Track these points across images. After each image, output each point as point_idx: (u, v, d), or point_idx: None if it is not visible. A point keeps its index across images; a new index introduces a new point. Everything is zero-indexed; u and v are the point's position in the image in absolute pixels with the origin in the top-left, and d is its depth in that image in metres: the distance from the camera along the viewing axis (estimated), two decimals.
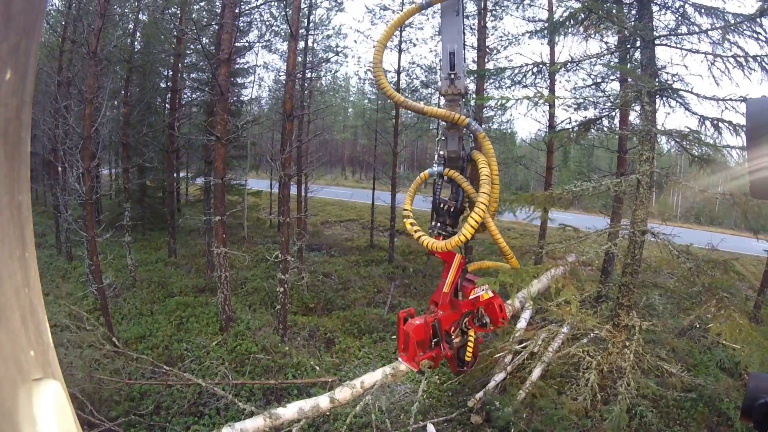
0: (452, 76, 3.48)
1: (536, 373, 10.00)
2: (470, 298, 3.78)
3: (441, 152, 3.65)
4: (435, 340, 3.61)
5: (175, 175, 23.32)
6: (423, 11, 3.84)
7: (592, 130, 10.18)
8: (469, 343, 3.78)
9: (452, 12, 3.48)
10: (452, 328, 3.72)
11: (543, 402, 9.51)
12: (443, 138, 3.65)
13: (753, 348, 6.93)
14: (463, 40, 3.53)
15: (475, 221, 3.20)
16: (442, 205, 3.66)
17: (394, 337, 13.48)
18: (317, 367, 11.60)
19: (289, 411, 5.11)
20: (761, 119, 1.20)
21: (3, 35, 0.57)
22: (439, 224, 3.64)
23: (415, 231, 3.48)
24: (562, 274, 7.90)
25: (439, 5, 3.58)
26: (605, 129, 10.70)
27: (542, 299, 9.87)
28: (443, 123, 3.62)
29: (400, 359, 3.74)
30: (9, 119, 0.60)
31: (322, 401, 5.62)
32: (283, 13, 19.53)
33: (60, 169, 16.52)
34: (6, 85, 0.58)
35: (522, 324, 11.04)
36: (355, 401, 6.63)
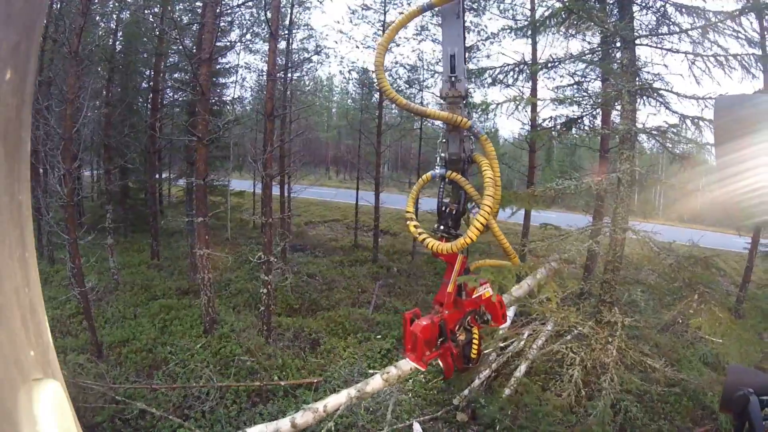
0: (453, 78, 3.50)
1: (521, 370, 10.08)
2: (473, 296, 3.82)
3: (442, 154, 3.67)
4: (441, 339, 3.63)
5: (157, 176, 23.08)
6: (424, 13, 3.84)
7: (574, 129, 10.27)
8: (474, 340, 3.81)
9: (453, 15, 3.49)
10: (456, 327, 3.75)
11: (528, 399, 9.59)
12: (444, 140, 3.67)
13: (733, 340, 7.05)
14: (464, 43, 3.54)
15: (481, 223, 3.22)
16: (444, 209, 3.69)
17: (379, 336, 13.51)
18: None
19: None
20: (729, 116, 1.23)
21: (3, 35, 0.57)
22: (441, 226, 3.66)
23: (420, 233, 3.51)
24: (546, 274, 7.97)
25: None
26: (587, 128, 10.80)
27: (526, 296, 9.94)
28: (444, 125, 3.64)
29: (407, 359, 3.76)
30: (9, 119, 0.60)
31: (283, 425, 5.57)
32: (262, 13, 19.42)
33: (41, 170, 16.26)
34: (6, 84, 0.58)
35: (506, 322, 11.10)
36: (318, 424, 6.54)
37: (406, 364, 7.53)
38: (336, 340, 13.41)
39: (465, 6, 3.70)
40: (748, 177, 1.18)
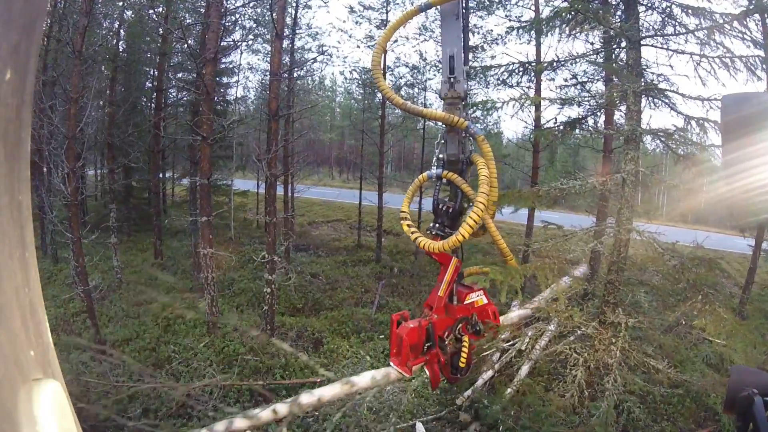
0: (452, 79, 3.48)
1: (524, 370, 10.04)
2: (465, 303, 3.73)
3: (440, 155, 3.63)
4: (428, 344, 3.54)
5: (160, 175, 23.15)
6: (422, 13, 3.81)
7: (578, 130, 10.23)
8: (463, 350, 3.71)
9: (452, 16, 3.46)
10: (446, 334, 3.65)
11: (531, 399, 9.56)
12: (443, 141, 3.64)
13: (738, 341, 7.03)
14: (464, 44, 3.51)
15: (474, 221, 3.16)
16: (440, 206, 3.64)
17: (382, 336, 13.48)
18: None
19: (362, 379, 5.16)
20: (736, 114, 1.22)
21: (3, 35, 0.57)
22: (437, 225, 3.61)
23: (412, 233, 3.45)
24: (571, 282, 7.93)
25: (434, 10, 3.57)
26: (590, 128, 10.77)
27: (527, 296, 9.93)
28: (442, 126, 3.61)
29: (391, 364, 3.64)
30: (9, 119, 0.60)
31: (393, 371, 5.66)
32: (267, 13, 19.44)
33: (45, 169, 16.31)
34: (6, 85, 0.58)
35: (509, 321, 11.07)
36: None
37: None
38: (339, 340, 13.41)
39: (467, 6, 3.65)
40: (754, 174, 1.18)
